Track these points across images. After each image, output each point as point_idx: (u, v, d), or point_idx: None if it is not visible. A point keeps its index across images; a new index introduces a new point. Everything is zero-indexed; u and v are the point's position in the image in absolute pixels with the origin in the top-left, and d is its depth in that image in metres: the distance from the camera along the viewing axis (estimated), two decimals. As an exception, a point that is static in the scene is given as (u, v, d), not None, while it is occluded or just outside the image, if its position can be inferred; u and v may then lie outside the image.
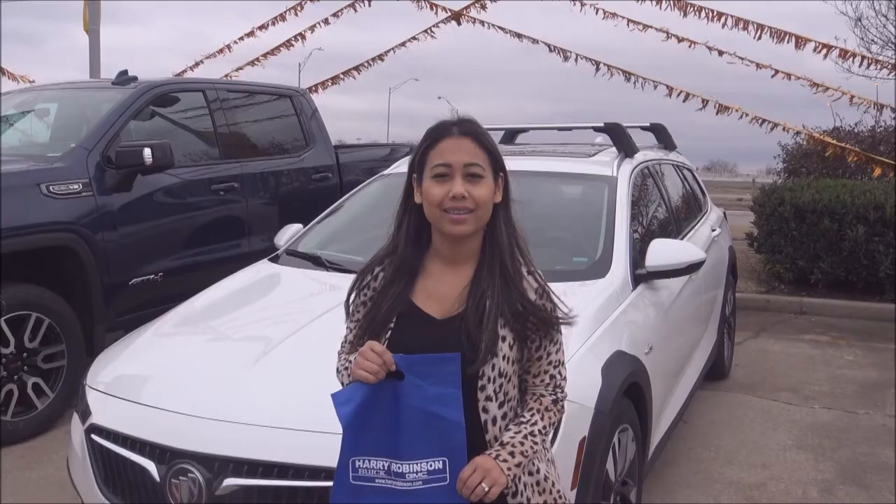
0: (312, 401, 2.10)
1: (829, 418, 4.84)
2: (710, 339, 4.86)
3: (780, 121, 9.93)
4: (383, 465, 1.65)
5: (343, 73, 11.48)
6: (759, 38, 9.78)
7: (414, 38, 11.30)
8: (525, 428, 1.72)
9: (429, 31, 11.17)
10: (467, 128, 1.75)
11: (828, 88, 9.63)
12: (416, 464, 1.63)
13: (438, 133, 1.75)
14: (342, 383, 1.84)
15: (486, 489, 1.61)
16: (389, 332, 1.75)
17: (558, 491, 1.83)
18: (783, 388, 5.38)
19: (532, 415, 1.75)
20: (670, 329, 3.67)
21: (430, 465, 1.63)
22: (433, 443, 1.63)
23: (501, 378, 1.71)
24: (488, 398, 1.70)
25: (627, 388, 2.84)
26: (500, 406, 1.72)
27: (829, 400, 5.18)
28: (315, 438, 2.20)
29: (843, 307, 7.75)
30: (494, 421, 1.71)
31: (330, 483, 2.13)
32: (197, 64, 11.61)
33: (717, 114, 9.88)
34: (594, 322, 2.94)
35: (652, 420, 3.25)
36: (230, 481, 2.27)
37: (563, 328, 1.81)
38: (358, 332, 1.82)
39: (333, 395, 1.67)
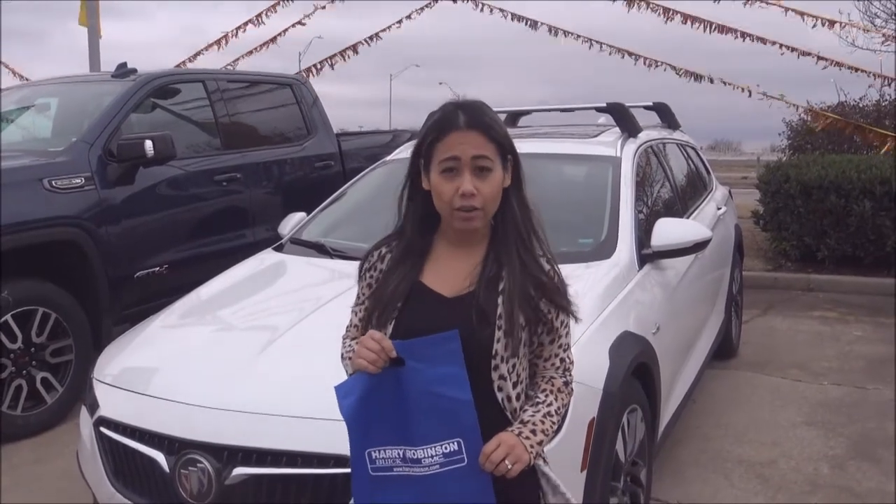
0: (319, 388, 2.08)
1: (838, 394, 4.83)
2: (717, 318, 4.84)
3: (782, 96, 9.88)
4: (399, 454, 1.63)
5: (340, 53, 11.42)
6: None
7: (408, 17, 11.24)
8: (543, 408, 1.72)
9: (425, 6, 11.09)
10: (475, 120, 1.70)
11: (833, 62, 9.57)
12: (431, 448, 1.61)
13: (445, 126, 1.71)
14: (346, 369, 1.83)
15: (510, 466, 1.60)
16: (396, 312, 1.73)
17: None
18: (792, 366, 5.37)
19: (546, 395, 1.75)
20: (677, 308, 3.65)
21: (446, 448, 1.60)
22: (444, 425, 1.60)
23: (514, 358, 1.69)
24: (502, 377, 1.69)
25: (635, 368, 2.83)
26: (514, 386, 1.71)
27: (838, 376, 5.16)
28: (323, 426, 2.19)
29: (851, 283, 7.72)
30: (510, 399, 1.70)
31: (339, 470, 2.14)
32: (196, 55, 11.59)
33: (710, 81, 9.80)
34: (601, 303, 2.93)
35: (661, 400, 3.24)
36: (239, 470, 2.27)
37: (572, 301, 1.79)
38: (363, 314, 1.81)
39: (336, 388, 1.65)
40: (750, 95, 9.83)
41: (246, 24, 11.49)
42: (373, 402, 1.63)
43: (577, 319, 1.81)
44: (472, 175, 1.68)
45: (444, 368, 1.60)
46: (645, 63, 10.21)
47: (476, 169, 1.68)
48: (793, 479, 3.70)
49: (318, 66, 11.38)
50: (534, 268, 1.73)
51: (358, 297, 1.85)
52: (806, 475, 3.74)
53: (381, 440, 1.63)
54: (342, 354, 1.88)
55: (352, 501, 1.71)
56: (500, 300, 1.69)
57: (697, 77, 9.97)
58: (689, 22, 10.06)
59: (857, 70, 9.59)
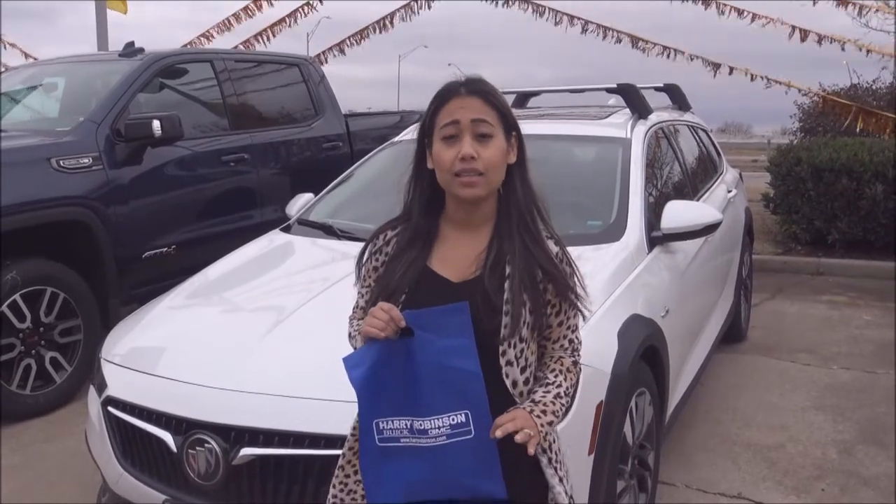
0: (326, 369, 2.08)
1: (847, 378, 4.81)
2: (726, 301, 4.82)
3: (792, 81, 9.77)
4: (406, 424, 1.62)
5: (350, 38, 11.34)
6: None
7: (415, 1, 11.14)
8: (553, 388, 1.71)
9: None
10: (475, 87, 1.71)
11: (842, 41, 9.45)
12: (438, 419, 1.60)
13: (446, 94, 1.71)
14: (354, 349, 1.82)
15: (531, 434, 1.57)
16: (403, 297, 1.71)
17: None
18: (801, 350, 5.35)
19: (556, 376, 1.73)
20: (686, 291, 3.63)
21: (453, 420, 1.59)
22: (452, 396, 1.59)
23: (522, 343, 1.68)
24: (509, 363, 1.67)
25: (644, 351, 2.82)
26: (522, 371, 1.69)
27: (847, 360, 5.14)
28: (330, 407, 2.19)
29: (861, 267, 7.68)
30: (515, 385, 1.69)
31: (346, 451, 2.14)
32: (206, 36, 11.52)
33: (715, 74, 9.68)
34: (609, 286, 2.91)
35: (669, 383, 3.23)
36: (246, 451, 2.27)
37: (579, 291, 1.78)
38: (370, 297, 1.79)
39: (344, 359, 1.64)
40: (753, 79, 9.72)
41: (258, 5, 11.38)
42: (382, 372, 1.62)
43: (584, 316, 1.80)
44: (472, 140, 1.67)
45: (453, 340, 1.59)
46: (654, 51, 10.08)
47: (477, 135, 1.67)
48: (800, 464, 3.69)
49: (324, 54, 11.31)
50: (539, 252, 1.71)
51: (364, 280, 1.84)
52: (813, 459, 3.73)
53: (388, 411, 1.63)
54: (349, 334, 1.87)
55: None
56: (506, 285, 1.68)
57: (706, 62, 9.87)
58: (700, 2, 9.94)
59: (870, 51, 9.47)
